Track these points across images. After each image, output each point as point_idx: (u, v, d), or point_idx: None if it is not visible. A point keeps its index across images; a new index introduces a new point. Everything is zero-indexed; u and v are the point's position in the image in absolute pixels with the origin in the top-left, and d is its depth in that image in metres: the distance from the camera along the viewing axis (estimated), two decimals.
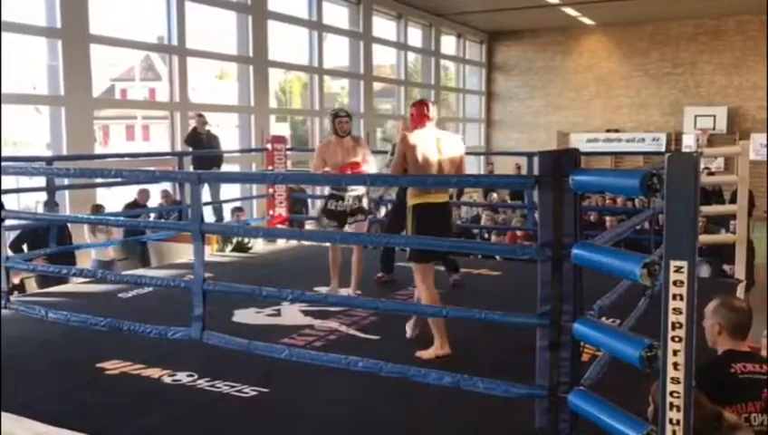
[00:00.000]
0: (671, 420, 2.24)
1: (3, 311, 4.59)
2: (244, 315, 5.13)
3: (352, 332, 4.80)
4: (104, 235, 8.15)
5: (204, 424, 3.38)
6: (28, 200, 9.37)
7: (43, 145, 11.35)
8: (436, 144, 4.37)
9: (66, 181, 7.73)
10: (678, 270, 2.21)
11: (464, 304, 4.28)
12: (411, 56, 18.92)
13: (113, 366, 4.08)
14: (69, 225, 7.79)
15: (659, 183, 2.39)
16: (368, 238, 5.40)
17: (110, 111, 17.81)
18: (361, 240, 5.45)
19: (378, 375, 3.33)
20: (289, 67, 15.47)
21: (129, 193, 9.97)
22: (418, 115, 4.49)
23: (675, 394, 2.23)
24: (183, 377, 3.89)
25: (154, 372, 3.97)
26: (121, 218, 6.96)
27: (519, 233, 9.01)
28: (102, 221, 7.06)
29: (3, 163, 4.46)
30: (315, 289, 5.55)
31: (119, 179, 6.81)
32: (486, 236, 9.72)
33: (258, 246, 8.37)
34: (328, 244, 6.02)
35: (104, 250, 8.38)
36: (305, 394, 3.68)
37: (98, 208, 8.37)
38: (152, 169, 7.06)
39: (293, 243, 8.47)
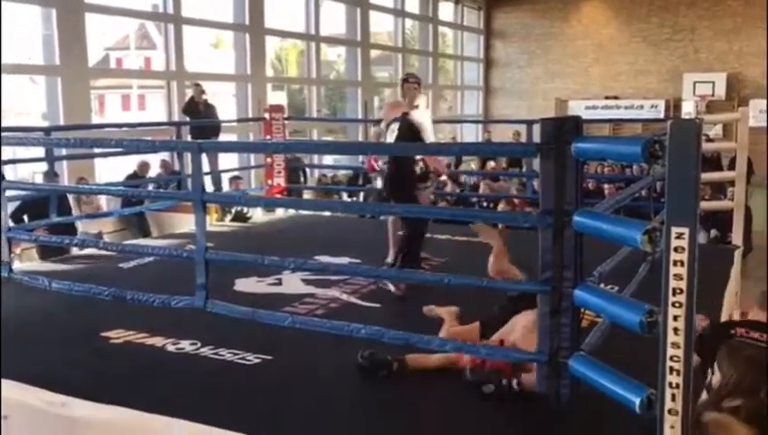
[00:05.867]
0: (671, 384, 2.28)
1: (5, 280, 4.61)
2: (245, 284, 5.16)
3: (353, 300, 4.83)
4: (90, 207, 8.10)
5: (208, 392, 3.42)
6: (24, 172, 9.35)
7: (39, 115, 11.27)
8: None
9: (64, 152, 7.70)
10: (680, 236, 2.23)
11: (465, 272, 4.32)
12: (409, 23, 18.73)
13: (117, 335, 4.11)
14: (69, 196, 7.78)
15: (661, 150, 2.40)
16: (364, 208, 5.37)
17: (105, 81, 17.60)
18: (359, 209, 5.42)
19: (380, 342, 3.37)
20: (285, 35, 15.32)
21: (126, 164, 9.94)
22: None
23: (675, 359, 2.27)
24: (186, 345, 3.93)
25: (158, 341, 4.00)
26: (122, 188, 6.95)
27: (517, 201, 9.02)
28: (103, 191, 7.05)
29: (3, 134, 4.45)
30: (316, 258, 5.57)
31: (118, 149, 6.80)
32: (485, 204, 9.73)
33: (257, 215, 8.38)
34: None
35: (90, 223, 8.33)
36: (308, 362, 3.72)
37: (82, 181, 8.30)
38: (151, 138, 7.04)
39: (292, 212, 8.48)
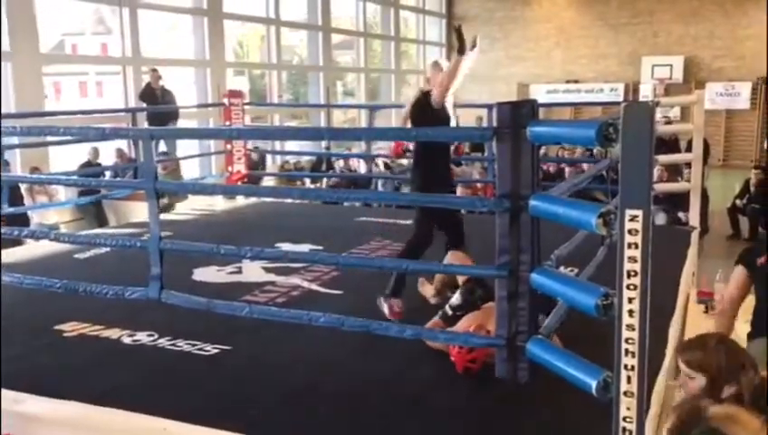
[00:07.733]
0: (626, 366, 2.28)
1: None
2: (204, 274, 5.07)
3: (315, 287, 4.78)
4: (45, 196, 7.90)
5: (166, 383, 3.36)
6: None
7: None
8: None
9: (16, 140, 7.50)
10: (633, 219, 2.23)
11: (426, 258, 4.31)
12: (370, 7, 18.61)
13: (71, 328, 4.01)
14: (21, 186, 7.59)
15: (615, 133, 2.39)
16: (320, 194, 5.28)
17: (62, 67, 17.16)
18: (316, 195, 5.31)
19: (342, 331, 3.34)
20: (245, 19, 15.11)
21: (82, 152, 9.71)
22: None
23: (630, 341, 2.27)
24: (143, 337, 3.85)
25: (113, 333, 3.91)
26: (73, 178, 6.78)
27: (479, 185, 9.05)
28: (53, 181, 6.88)
29: None
30: (277, 245, 5.51)
31: (68, 137, 6.63)
32: None
33: (218, 203, 8.27)
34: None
35: (46, 213, 8.15)
36: (268, 351, 3.67)
37: (35, 171, 8.11)
38: (105, 126, 6.87)
39: (254, 200, 8.38)
